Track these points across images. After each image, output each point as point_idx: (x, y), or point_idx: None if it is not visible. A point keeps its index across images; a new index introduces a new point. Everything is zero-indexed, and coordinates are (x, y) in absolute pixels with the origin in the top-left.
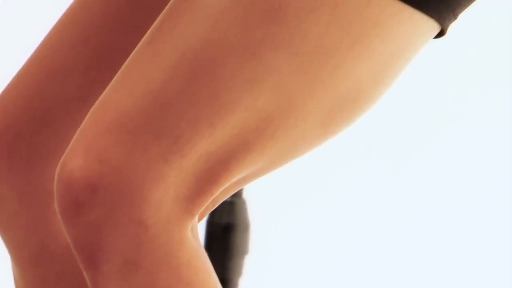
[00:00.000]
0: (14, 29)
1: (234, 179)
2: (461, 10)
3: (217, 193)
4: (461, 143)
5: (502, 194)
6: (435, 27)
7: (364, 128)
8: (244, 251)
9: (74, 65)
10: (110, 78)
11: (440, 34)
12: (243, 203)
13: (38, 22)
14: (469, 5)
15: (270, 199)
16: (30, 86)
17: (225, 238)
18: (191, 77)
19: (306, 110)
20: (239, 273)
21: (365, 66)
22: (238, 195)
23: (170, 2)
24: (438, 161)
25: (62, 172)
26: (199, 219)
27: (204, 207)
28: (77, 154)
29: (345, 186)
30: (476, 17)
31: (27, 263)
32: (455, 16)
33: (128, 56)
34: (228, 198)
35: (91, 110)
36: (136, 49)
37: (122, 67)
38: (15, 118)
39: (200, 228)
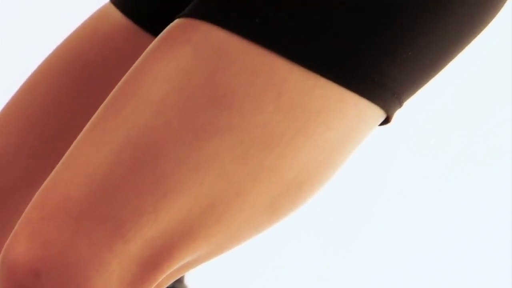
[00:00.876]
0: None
1: (178, 265)
2: (407, 98)
3: (161, 279)
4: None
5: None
6: (381, 114)
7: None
8: None
9: (20, 149)
10: (57, 162)
11: (386, 120)
12: None
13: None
14: (414, 92)
15: (212, 284)
16: None
17: None
18: (135, 163)
19: (250, 197)
20: None
21: (310, 154)
22: (180, 280)
23: (114, 89)
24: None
25: (6, 256)
26: None
27: None
28: (21, 239)
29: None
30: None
31: None
32: (400, 104)
33: (74, 141)
34: (170, 284)
35: (36, 194)
36: (81, 134)
37: (67, 152)
38: None
39: None
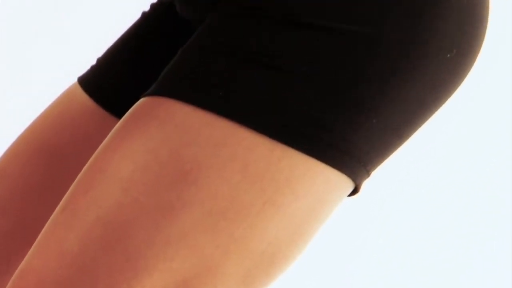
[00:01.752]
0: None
1: None
2: (373, 167)
3: None
4: None
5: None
6: (349, 183)
7: None
8: None
9: None
10: (29, 247)
11: (355, 190)
12: None
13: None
14: (382, 161)
15: None
16: None
17: None
18: (105, 242)
19: (223, 270)
20: None
21: (280, 224)
22: None
23: (83, 168)
24: None
25: None
26: None
27: None
28: None
29: None
30: None
31: None
32: (368, 173)
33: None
34: None
35: (11, 279)
36: (51, 216)
37: (40, 235)
38: None
39: None
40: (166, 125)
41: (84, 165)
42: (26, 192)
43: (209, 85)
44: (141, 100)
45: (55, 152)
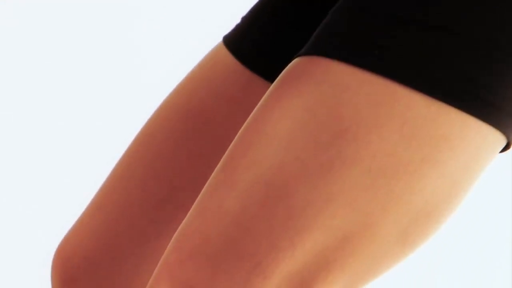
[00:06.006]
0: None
1: None
2: None
3: None
4: None
5: None
6: (502, 140)
7: None
8: None
9: (144, 201)
10: (181, 212)
11: (506, 147)
12: None
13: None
14: None
15: None
16: (101, 222)
17: None
18: (267, 201)
19: (382, 227)
20: None
21: (437, 181)
22: None
23: (241, 129)
24: None
25: None
26: None
27: None
28: (162, 281)
29: None
30: None
31: None
32: None
33: (198, 187)
34: None
35: (173, 237)
36: (211, 177)
37: (200, 194)
38: (90, 252)
39: None
40: (323, 84)
41: (231, 128)
42: (176, 157)
43: (364, 44)
44: (296, 60)
45: (201, 116)
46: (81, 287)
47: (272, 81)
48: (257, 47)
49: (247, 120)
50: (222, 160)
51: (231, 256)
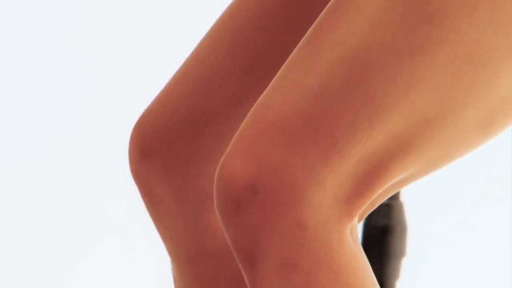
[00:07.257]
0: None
1: (392, 181)
2: None
3: (375, 195)
4: None
5: None
6: None
7: None
8: (402, 254)
9: (231, 68)
10: (266, 82)
11: None
12: (400, 205)
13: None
14: None
15: (427, 201)
16: (187, 87)
17: (382, 240)
18: (349, 80)
19: (463, 113)
20: (396, 276)
21: None
22: (395, 197)
23: (328, 4)
24: None
25: (222, 172)
26: (359, 221)
27: (362, 209)
28: (237, 155)
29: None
30: None
31: (185, 263)
32: None
33: (285, 59)
34: (386, 201)
35: (250, 112)
36: (294, 50)
37: (281, 69)
38: (173, 119)
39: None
40: None
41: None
42: (257, 33)
43: None
44: None
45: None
46: (158, 157)
47: None
48: None
49: None
50: (308, 33)
51: (307, 134)
